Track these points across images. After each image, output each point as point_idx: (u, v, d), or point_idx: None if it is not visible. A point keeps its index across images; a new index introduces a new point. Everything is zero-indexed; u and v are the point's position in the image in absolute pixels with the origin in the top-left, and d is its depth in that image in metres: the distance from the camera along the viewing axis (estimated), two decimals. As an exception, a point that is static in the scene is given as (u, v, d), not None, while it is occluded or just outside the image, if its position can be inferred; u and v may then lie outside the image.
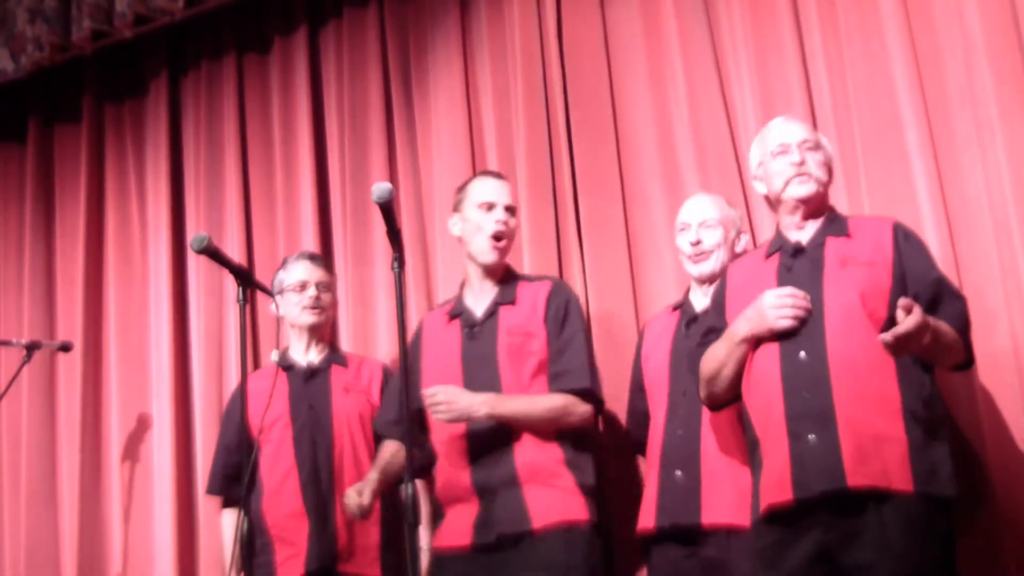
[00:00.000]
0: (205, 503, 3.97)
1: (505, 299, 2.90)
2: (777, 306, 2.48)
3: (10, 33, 4.56)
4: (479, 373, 2.81)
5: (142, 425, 4.24)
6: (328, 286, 3.38)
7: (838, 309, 2.46)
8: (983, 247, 2.96)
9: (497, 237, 2.91)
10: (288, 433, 3.19)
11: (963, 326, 2.51)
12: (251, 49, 4.42)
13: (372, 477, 2.98)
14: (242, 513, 2.69)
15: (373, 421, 3.21)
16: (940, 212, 3.02)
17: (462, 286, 3.03)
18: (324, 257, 3.68)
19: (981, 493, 2.81)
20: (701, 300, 2.96)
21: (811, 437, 2.39)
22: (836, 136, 3.23)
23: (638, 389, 3.05)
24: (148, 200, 4.48)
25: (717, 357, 2.63)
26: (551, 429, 2.77)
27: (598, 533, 2.76)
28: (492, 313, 2.89)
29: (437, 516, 2.91)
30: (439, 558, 2.83)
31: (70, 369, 4.39)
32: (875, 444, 2.35)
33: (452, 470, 2.82)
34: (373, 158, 4.02)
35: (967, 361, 2.57)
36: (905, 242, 2.56)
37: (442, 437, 2.84)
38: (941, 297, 2.51)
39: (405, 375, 2.52)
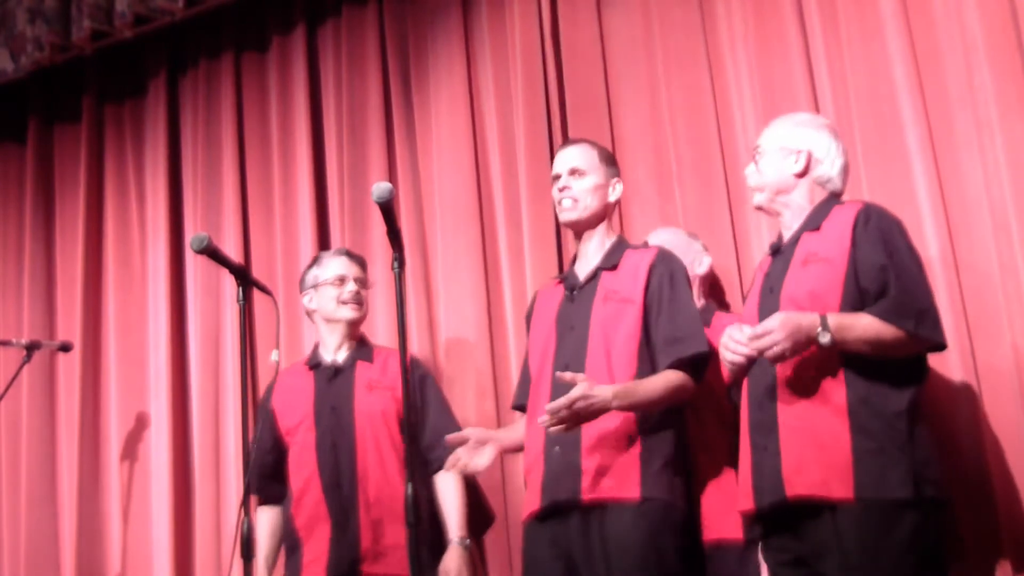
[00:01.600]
0: (202, 502, 3.99)
1: (608, 264, 2.84)
2: (728, 347, 2.46)
3: (10, 33, 4.56)
4: (568, 335, 2.75)
5: (140, 425, 4.24)
6: (364, 282, 3.35)
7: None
8: (983, 247, 2.96)
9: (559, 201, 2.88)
10: (311, 437, 3.17)
11: (898, 318, 2.31)
12: (250, 48, 4.42)
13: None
14: (242, 512, 2.68)
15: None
16: (940, 212, 3.01)
17: (574, 258, 2.97)
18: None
19: (981, 493, 2.81)
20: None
21: (765, 447, 2.40)
22: (836, 136, 3.24)
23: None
24: (147, 200, 4.48)
25: None
26: (669, 407, 2.64)
27: (668, 511, 2.57)
28: (593, 277, 2.82)
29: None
30: (526, 529, 2.74)
31: (70, 369, 4.39)
32: (817, 452, 2.31)
33: (532, 430, 2.75)
34: (372, 158, 4.02)
35: (935, 347, 2.41)
36: (863, 230, 2.41)
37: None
38: (887, 289, 2.35)
39: (407, 388, 2.51)
